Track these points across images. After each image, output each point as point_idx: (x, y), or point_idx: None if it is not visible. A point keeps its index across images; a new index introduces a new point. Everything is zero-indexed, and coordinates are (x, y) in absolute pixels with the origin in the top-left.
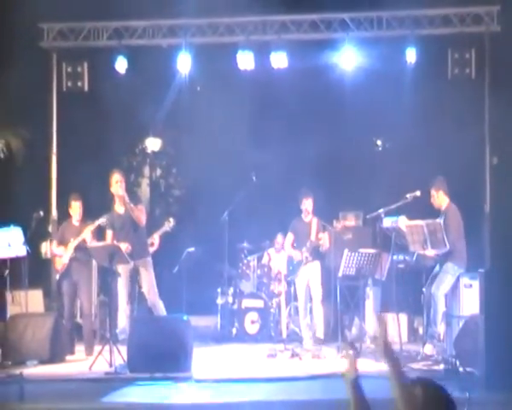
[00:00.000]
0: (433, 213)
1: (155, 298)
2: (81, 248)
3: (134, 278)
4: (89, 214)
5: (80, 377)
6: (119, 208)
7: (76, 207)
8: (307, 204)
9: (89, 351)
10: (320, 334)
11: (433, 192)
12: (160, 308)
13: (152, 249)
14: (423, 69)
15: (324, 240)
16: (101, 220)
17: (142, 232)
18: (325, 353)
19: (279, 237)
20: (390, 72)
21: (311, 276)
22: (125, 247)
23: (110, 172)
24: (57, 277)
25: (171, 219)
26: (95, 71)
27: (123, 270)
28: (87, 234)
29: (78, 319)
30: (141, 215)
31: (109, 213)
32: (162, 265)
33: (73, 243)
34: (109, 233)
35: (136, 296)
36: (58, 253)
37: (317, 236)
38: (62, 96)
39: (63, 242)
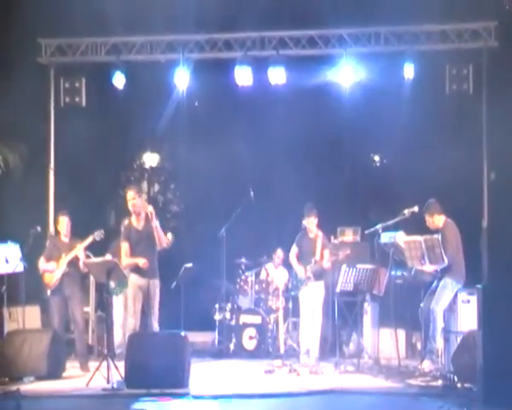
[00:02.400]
0: (430, 228)
1: (154, 321)
2: (73, 263)
3: (140, 295)
4: (86, 230)
5: (77, 393)
6: (135, 223)
7: (63, 223)
8: (311, 221)
9: (83, 367)
10: (315, 352)
11: (427, 218)
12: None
13: None
14: (421, 85)
15: (327, 257)
16: (97, 234)
17: (155, 253)
18: (323, 368)
19: (279, 252)
20: (388, 87)
21: (314, 297)
22: (142, 262)
23: (125, 189)
24: (48, 292)
25: (170, 235)
26: (93, 86)
27: (131, 285)
28: (79, 250)
29: (71, 335)
30: (163, 238)
31: (126, 227)
32: (160, 280)
33: (66, 259)
34: (125, 245)
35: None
36: (49, 268)
37: (321, 253)
38: (60, 112)
39: (51, 257)
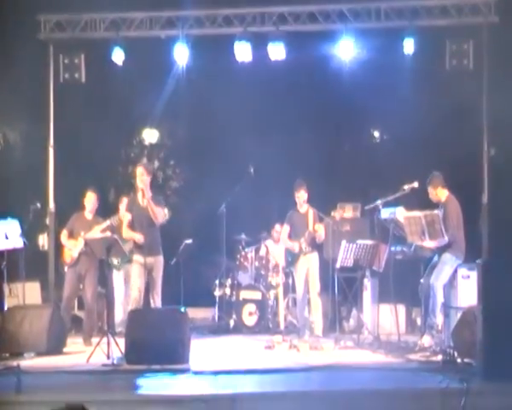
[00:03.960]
0: (430, 204)
1: (156, 298)
2: (86, 241)
3: (143, 272)
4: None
5: (77, 369)
6: (141, 199)
7: (90, 199)
8: (301, 195)
9: (87, 342)
10: (318, 331)
11: (430, 190)
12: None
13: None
14: (421, 60)
15: (320, 231)
16: (114, 219)
17: (156, 230)
18: (323, 344)
19: (277, 227)
20: (388, 63)
21: (309, 267)
22: (138, 237)
23: (135, 165)
24: (65, 269)
25: (166, 211)
26: (92, 62)
27: (134, 263)
28: (97, 232)
29: (76, 312)
30: (160, 213)
31: (131, 200)
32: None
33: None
34: (127, 216)
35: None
36: (68, 245)
37: (314, 226)
38: (59, 88)
39: (73, 233)
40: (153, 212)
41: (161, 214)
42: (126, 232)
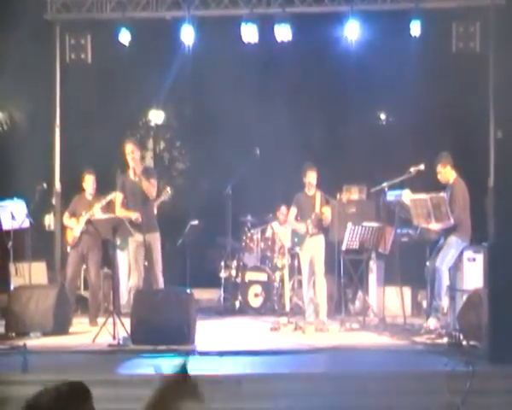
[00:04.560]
0: (437, 186)
1: (158, 274)
2: (91, 222)
3: (142, 250)
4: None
5: (83, 349)
6: (132, 176)
7: (89, 181)
8: (311, 177)
9: (92, 322)
10: (323, 314)
11: (439, 169)
12: (160, 284)
13: None
14: (428, 43)
15: (327, 213)
16: (112, 196)
17: (151, 206)
18: (328, 326)
19: (283, 209)
20: (394, 45)
21: (315, 250)
22: (135, 216)
23: (123, 142)
24: (68, 249)
25: (169, 189)
26: (98, 43)
27: (131, 242)
28: (97, 210)
29: (82, 292)
30: (151, 188)
31: (122, 178)
32: (166, 238)
33: (84, 218)
34: (119, 196)
35: (142, 269)
36: (70, 225)
37: (321, 209)
38: (65, 68)
39: (75, 214)
40: (146, 188)
41: (154, 189)
42: (120, 212)
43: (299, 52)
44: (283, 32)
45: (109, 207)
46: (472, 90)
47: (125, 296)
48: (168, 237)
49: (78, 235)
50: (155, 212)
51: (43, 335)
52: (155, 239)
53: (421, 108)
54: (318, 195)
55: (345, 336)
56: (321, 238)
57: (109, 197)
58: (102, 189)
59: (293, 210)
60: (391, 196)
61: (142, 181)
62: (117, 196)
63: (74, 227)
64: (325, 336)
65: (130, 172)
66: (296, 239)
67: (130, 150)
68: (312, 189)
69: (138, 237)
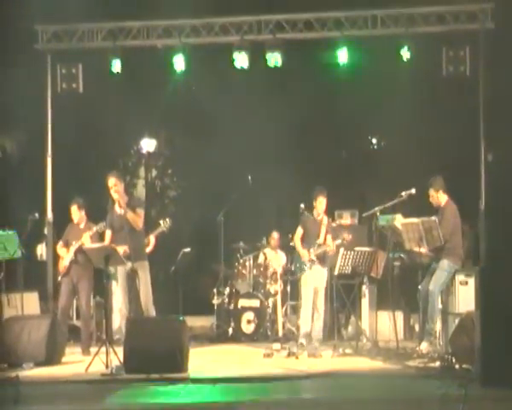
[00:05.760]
0: (428, 210)
1: (149, 302)
2: (81, 251)
3: (131, 279)
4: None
5: (76, 379)
6: (118, 209)
7: (74, 212)
8: (322, 202)
9: (85, 352)
10: (316, 341)
11: (432, 192)
12: (152, 313)
13: (147, 250)
14: (418, 67)
15: (329, 242)
16: (99, 226)
17: (140, 235)
18: (321, 351)
19: (274, 234)
20: (385, 70)
21: (318, 280)
22: (122, 250)
23: (106, 176)
24: (59, 278)
25: (168, 220)
26: (89, 72)
27: (120, 271)
28: (86, 239)
29: (74, 321)
30: (137, 219)
31: (109, 213)
32: (158, 265)
33: (74, 247)
34: (108, 233)
35: (132, 298)
36: (61, 254)
37: (325, 236)
38: (57, 98)
39: (67, 243)
40: (132, 219)
41: (141, 220)
42: None
43: (290, 78)
44: (274, 58)
45: (102, 236)
46: (462, 113)
47: (117, 322)
48: (161, 264)
49: (68, 264)
50: (147, 241)
51: (35, 365)
52: (143, 267)
53: (413, 131)
54: (325, 221)
55: (338, 361)
56: (325, 271)
57: (97, 227)
58: (95, 218)
59: (300, 230)
60: (383, 220)
61: (128, 213)
62: (106, 233)
63: (64, 256)
64: (318, 362)
65: (116, 206)
66: (298, 264)
67: (113, 183)
68: (321, 214)
69: (126, 266)
